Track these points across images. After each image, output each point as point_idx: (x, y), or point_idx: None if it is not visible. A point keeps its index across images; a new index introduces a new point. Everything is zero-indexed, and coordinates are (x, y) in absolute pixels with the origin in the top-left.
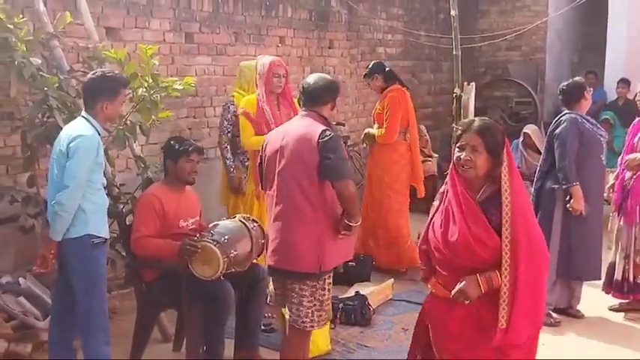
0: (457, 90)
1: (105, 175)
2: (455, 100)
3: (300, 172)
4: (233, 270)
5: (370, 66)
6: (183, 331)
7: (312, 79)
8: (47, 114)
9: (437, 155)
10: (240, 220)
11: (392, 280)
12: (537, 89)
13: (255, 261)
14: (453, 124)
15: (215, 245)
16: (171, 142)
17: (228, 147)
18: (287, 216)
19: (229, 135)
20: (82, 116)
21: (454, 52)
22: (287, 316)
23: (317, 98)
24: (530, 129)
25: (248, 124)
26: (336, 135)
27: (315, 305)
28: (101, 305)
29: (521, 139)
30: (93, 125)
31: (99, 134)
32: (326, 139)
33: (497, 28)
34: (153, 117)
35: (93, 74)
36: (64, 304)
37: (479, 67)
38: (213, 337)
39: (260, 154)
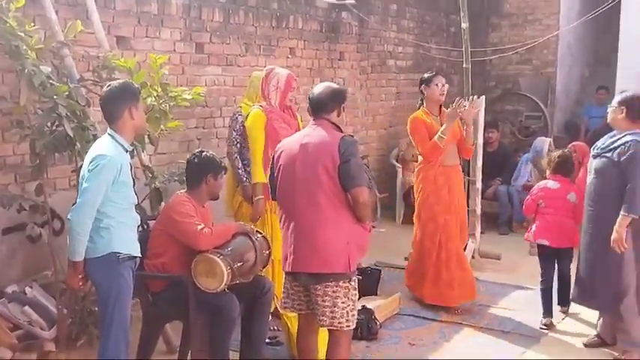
0: (467, 103)
1: None
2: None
3: (323, 176)
4: (237, 282)
5: None
6: (188, 343)
7: (317, 88)
8: (56, 122)
9: None
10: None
11: (398, 294)
12: (548, 103)
13: (260, 273)
14: None
15: (219, 257)
16: (210, 156)
17: (238, 157)
18: (313, 220)
19: (238, 146)
20: (108, 133)
21: (464, 65)
22: (292, 328)
23: (323, 106)
24: (546, 141)
25: (260, 140)
26: (355, 140)
27: (349, 305)
28: (121, 319)
29: (530, 154)
30: (118, 142)
31: (126, 150)
32: (347, 143)
33: (508, 42)
34: (162, 127)
35: (108, 86)
36: None
37: (489, 80)
38: (218, 350)
39: (270, 165)
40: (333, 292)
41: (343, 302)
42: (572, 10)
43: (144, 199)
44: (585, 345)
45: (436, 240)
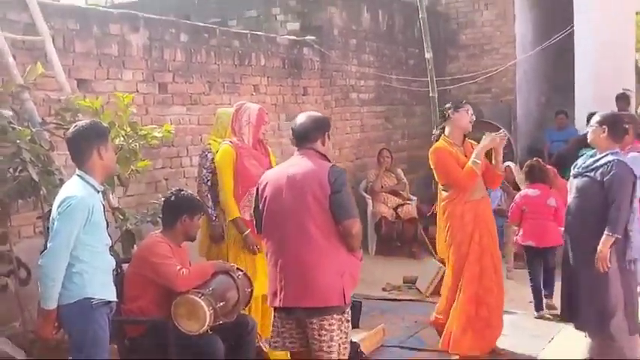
0: (435, 131)
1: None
2: (435, 142)
3: (313, 205)
4: (220, 322)
5: None
6: None
7: (299, 118)
8: (19, 168)
9: (415, 198)
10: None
11: (382, 325)
12: (511, 129)
13: (242, 311)
14: None
15: (200, 297)
16: (187, 195)
17: (209, 195)
18: (304, 251)
19: (209, 184)
20: (77, 174)
21: (431, 94)
22: None
23: (307, 135)
24: (512, 164)
25: (229, 175)
26: (343, 170)
27: (341, 338)
28: None
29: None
30: (87, 182)
31: (97, 191)
32: (337, 172)
33: (466, 72)
34: (132, 167)
35: (75, 127)
36: None
37: None
38: None
39: (255, 197)
40: (330, 325)
41: (338, 335)
42: (525, 39)
43: (115, 242)
44: None
45: (457, 280)
